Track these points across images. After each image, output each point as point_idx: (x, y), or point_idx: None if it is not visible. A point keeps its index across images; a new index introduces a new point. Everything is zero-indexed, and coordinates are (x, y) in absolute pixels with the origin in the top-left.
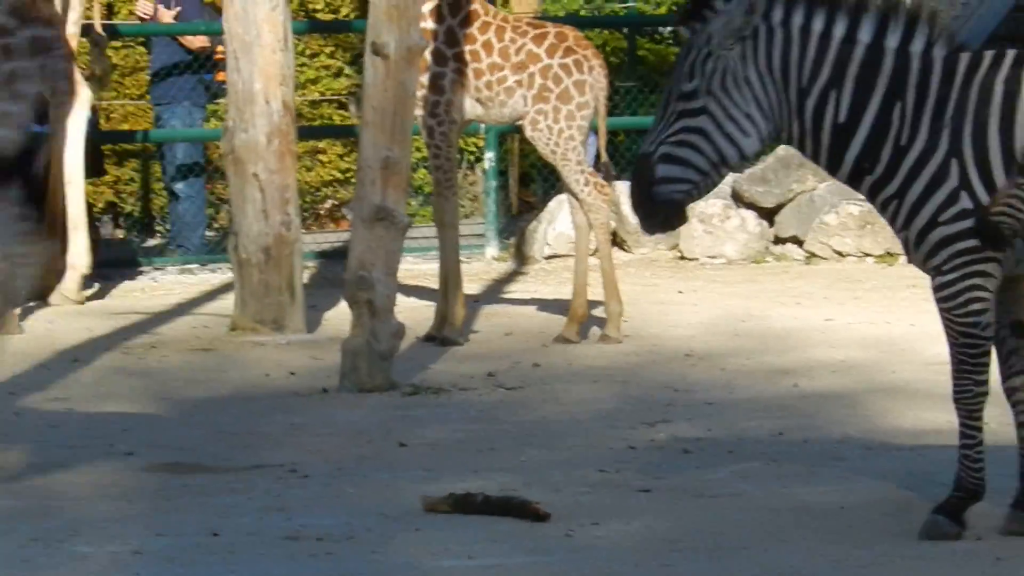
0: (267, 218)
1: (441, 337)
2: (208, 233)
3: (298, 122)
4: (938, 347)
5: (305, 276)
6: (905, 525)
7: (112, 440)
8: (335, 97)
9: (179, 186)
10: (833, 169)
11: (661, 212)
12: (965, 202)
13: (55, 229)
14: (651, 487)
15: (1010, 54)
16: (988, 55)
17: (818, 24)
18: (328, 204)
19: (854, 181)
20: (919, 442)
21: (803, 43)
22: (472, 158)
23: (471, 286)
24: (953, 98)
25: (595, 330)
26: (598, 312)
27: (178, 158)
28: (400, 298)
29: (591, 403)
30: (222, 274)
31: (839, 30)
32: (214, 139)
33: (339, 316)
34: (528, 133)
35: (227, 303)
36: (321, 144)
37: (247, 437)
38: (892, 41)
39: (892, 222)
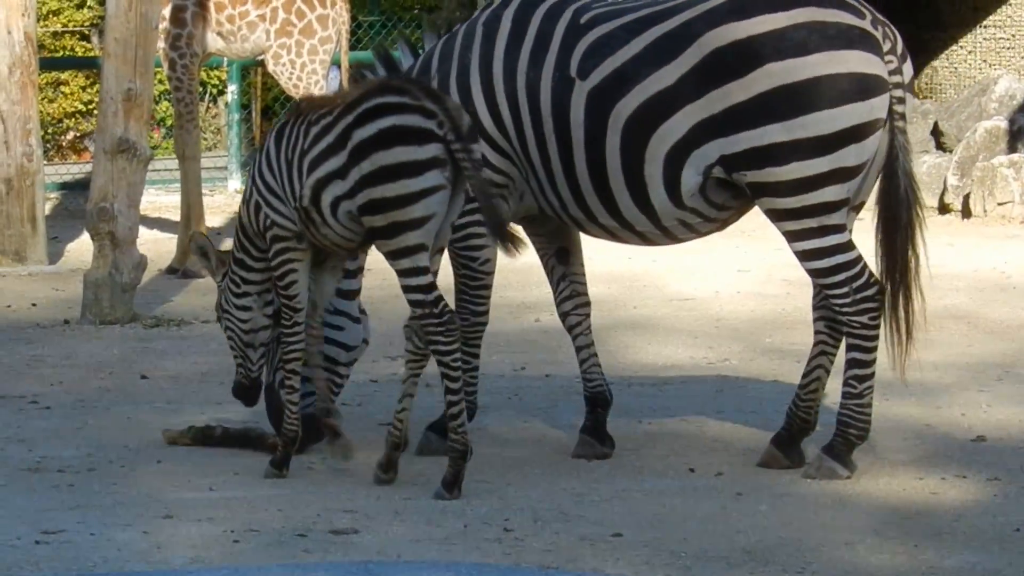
0: (8, 149)
1: (183, 269)
2: None
3: (40, 53)
4: (679, 283)
5: (47, 207)
6: (645, 460)
7: None
8: (77, 28)
9: None
10: None
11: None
12: None
13: None
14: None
15: None
16: None
17: None
18: (70, 136)
19: None
20: (659, 375)
21: None
22: (215, 91)
23: (213, 219)
24: None
25: None
26: None
27: None
28: (142, 230)
29: None
30: None
31: None
32: None
33: (81, 248)
34: (271, 67)
35: None
36: (63, 76)
37: None
38: None
39: None
